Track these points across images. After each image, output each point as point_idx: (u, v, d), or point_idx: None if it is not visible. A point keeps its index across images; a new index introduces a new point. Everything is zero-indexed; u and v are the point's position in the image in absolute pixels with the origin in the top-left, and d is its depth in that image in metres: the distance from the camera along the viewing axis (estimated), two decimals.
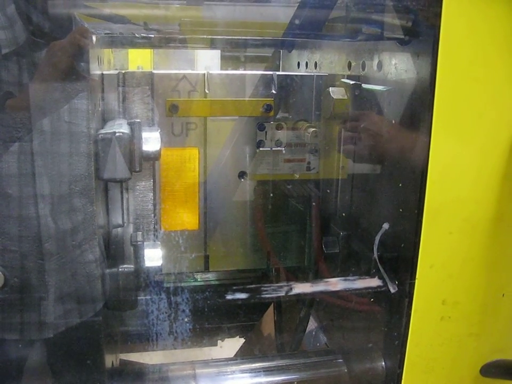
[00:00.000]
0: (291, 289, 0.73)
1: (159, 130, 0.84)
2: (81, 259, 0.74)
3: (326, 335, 1.19)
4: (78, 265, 0.74)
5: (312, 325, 1.26)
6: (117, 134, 0.75)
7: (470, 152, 0.75)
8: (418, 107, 0.76)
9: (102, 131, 0.76)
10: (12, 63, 0.68)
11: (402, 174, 0.81)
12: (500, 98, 0.74)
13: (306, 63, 1.29)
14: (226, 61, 1.55)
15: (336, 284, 0.75)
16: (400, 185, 0.78)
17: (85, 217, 0.73)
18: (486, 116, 0.74)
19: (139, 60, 2.22)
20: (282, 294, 0.73)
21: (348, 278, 0.76)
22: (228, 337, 1.46)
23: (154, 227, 1.01)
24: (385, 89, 0.86)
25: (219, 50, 1.59)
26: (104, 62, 1.01)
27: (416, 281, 0.75)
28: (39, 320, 0.74)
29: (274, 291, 0.72)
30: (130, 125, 0.82)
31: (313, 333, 1.24)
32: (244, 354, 1.46)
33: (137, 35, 1.24)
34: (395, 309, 0.81)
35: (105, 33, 1.01)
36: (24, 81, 0.69)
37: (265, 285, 0.72)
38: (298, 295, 0.73)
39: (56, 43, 0.68)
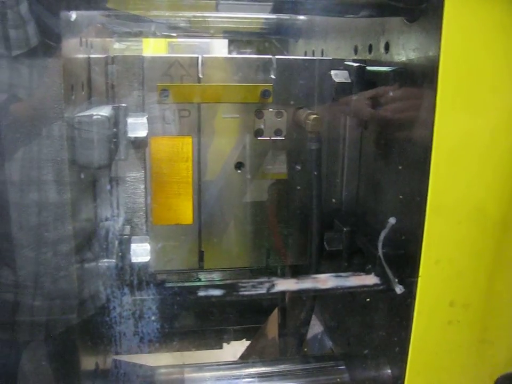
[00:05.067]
0: (273, 285, 0.65)
1: (147, 116, 0.81)
2: (56, 251, 0.69)
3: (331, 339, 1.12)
4: (52, 258, 0.69)
5: (317, 329, 1.20)
6: (95, 117, 0.70)
7: (481, 131, 0.67)
8: (424, 84, 0.69)
9: (80, 114, 0.71)
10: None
11: (403, 156, 0.74)
12: None
13: (313, 51, 1.24)
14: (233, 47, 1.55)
15: (325, 280, 0.67)
16: (400, 167, 0.71)
17: (59, 206, 0.68)
18: (499, 88, 0.66)
19: (153, 50, 2.19)
20: (263, 291, 0.65)
21: (339, 274, 0.68)
22: (234, 340, 1.43)
23: (146, 221, 0.96)
24: (390, 69, 0.80)
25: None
26: (95, 48, 0.97)
27: (420, 279, 0.68)
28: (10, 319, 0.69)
29: (253, 288, 0.64)
30: (115, 109, 0.78)
31: (318, 337, 1.18)
32: (248, 357, 1.41)
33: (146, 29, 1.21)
34: (396, 311, 0.74)
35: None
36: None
37: (243, 281, 0.65)
38: (282, 292, 0.65)
39: None
